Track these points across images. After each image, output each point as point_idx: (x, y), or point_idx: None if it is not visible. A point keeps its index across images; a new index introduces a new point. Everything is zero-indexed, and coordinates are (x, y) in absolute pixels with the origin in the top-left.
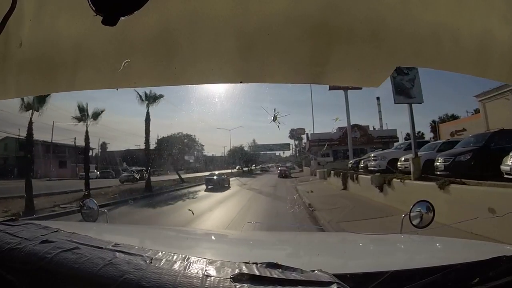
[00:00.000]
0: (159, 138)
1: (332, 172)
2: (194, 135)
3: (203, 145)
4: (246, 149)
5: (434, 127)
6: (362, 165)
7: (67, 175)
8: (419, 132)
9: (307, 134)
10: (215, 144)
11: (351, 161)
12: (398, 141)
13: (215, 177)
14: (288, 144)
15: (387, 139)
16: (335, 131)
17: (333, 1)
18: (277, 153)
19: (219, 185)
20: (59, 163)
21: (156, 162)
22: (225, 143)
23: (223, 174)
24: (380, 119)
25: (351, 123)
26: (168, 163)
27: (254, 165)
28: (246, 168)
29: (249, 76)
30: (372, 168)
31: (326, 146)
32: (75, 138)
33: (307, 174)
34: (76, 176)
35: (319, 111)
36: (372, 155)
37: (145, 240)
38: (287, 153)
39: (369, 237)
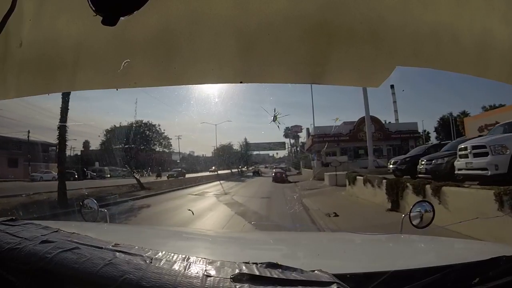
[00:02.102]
0: (109, 128)
1: (359, 177)
2: (159, 125)
3: (170, 139)
4: (236, 147)
5: (443, 125)
6: (428, 167)
7: (18, 175)
8: (424, 130)
9: (307, 129)
10: (208, 145)
11: (392, 161)
12: (419, 136)
13: (256, 169)
14: (284, 143)
15: (406, 134)
16: (337, 125)
17: (333, 1)
18: (271, 153)
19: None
20: (7, 161)
21: (105, 160)
22: (219, 142)
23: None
24: (396, 111)
25: (352, 119)
26: (122, 162)
27: (244, 166)
28: (235, 170)
29: (249, 76)
30: (472, 172)
31: (333, 143)
32: (28, 132)
33: (307, 178)
34: (28, 177)
35: (316, 113)
36: (470, 144)
37: (145, 240)
38: (281, 154)
39: (369, 237)
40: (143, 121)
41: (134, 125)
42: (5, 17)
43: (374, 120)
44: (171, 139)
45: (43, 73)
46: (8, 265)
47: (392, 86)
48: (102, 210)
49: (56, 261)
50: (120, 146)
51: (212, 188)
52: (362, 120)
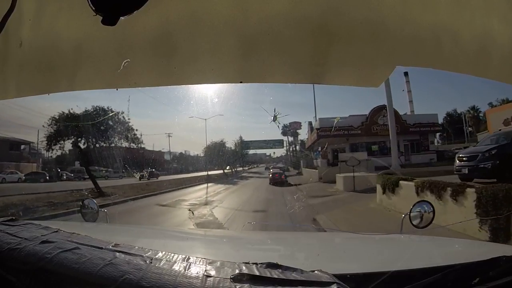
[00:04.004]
0: (56, 116)
1: (406, 183)
2: (123, 113)
3: (136, 130)
4: (230, 146)
5: (451, 121)
6: None
7: None
8: None
9: (309, 123)
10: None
11: (463, 155)
12: (440, 129)
13: (267, 166)
14: (281, 141)
15: (426, 127)
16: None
17: (333, 2)
18: (268, 152)
19: (269, 168)
20: None
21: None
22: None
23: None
24: (411, 101)
25: (357, 112)
26: (104, 161)
27: (239, 166)
28: (229, 170)
29: (249, 76)
30: None
31: (341, 138)
32: None
33: (308, 179)
34: None
35: (316, 112)
36: None
37: (145, 240)
38: (278, 153)
39: (369, 237)
40: (102, 107)
41: (90, 111)
42: (5, 17)
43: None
44: (136, 129)
45: (43, 73)
46: (8, 265)
47: (406, 74)
48: (102, 210)
49: (56, 261)
50: (72, 139)
51: (193, 195)
52: (376, 110)
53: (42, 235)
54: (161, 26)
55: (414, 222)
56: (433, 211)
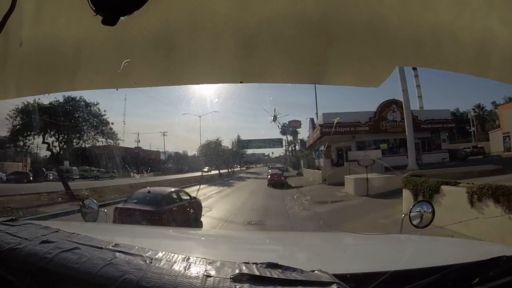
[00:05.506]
0: (20, 107)
1: (451, 188)
2: (97, 103)
3: (111, 124)
4: (226, 145)
5: (455, 121)
6: None
7: None
8: None
9: (311, 120)
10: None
11: None
12: (453, 126)
13: (270, 166)
14: (280, 140)
15: (438, 124)
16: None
17: (333, 2)
18: (266, 152)
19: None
20: None
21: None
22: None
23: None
24: (420, 97)
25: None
26: (96, 161)
27: (237, 166)
28: (226, 170)
29: (249, 76)
30: None
31: (347, 135)
32: None
33: (308, 179)
34: None
35: (309, 113)
36: None
37: (145, 240)
38: (277, 153)
39: (369, 237)
40: (74, 98)
41: (59, 101)
42: (5, 17)
43: (400, 105)
44: (112, 123)
45: (43, 73)
46: (8, 265)
47: (414, 68)
48: (102, 210)
49: (56, 261)
50: (39, 132)
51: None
52: (385, 104)
53: (42, 235)
54: (161, 26)
55: (414, 222)
56: (433, 211)
